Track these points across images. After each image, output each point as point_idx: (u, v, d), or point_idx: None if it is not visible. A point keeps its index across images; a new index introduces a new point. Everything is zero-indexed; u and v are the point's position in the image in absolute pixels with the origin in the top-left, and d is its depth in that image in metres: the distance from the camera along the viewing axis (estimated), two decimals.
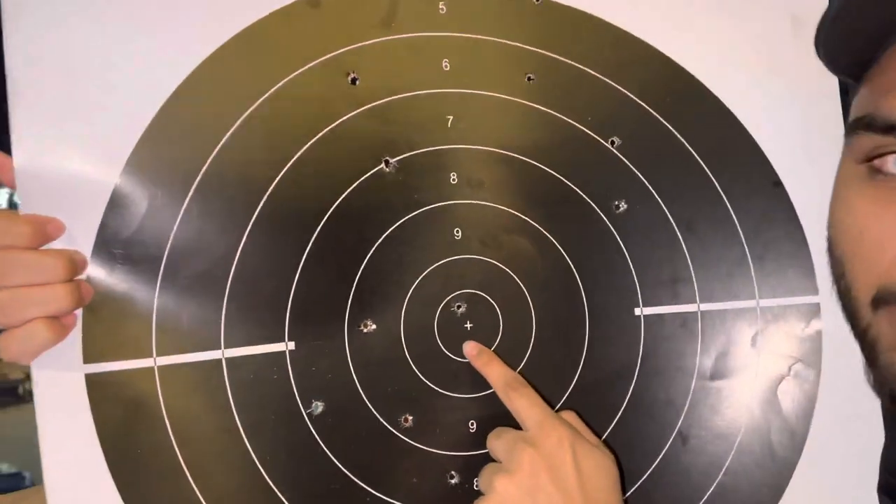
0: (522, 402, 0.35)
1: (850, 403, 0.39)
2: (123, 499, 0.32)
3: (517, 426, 0.35)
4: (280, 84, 0.35)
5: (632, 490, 0.38)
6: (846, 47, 0.29)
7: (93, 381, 0.32)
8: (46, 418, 0.32)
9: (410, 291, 0.36)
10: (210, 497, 0.33)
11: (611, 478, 0.34)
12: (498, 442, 0.35)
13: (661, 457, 0.38)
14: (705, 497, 0.38)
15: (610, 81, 0.39)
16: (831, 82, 0.40)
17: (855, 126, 0.28)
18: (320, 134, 0.36)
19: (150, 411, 0.33)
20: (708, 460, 0.38)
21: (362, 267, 0.36)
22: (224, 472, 0.34)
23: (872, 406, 0.39)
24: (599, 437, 0.36)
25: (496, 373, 0.36)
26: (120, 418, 0.33)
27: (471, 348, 0.37)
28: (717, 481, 0.38)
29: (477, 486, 0.35)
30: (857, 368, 0.30)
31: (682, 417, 0.38)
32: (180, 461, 0.33)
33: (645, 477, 0.38)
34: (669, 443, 0.38)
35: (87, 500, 0.32)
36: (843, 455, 0.39)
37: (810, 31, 0.31)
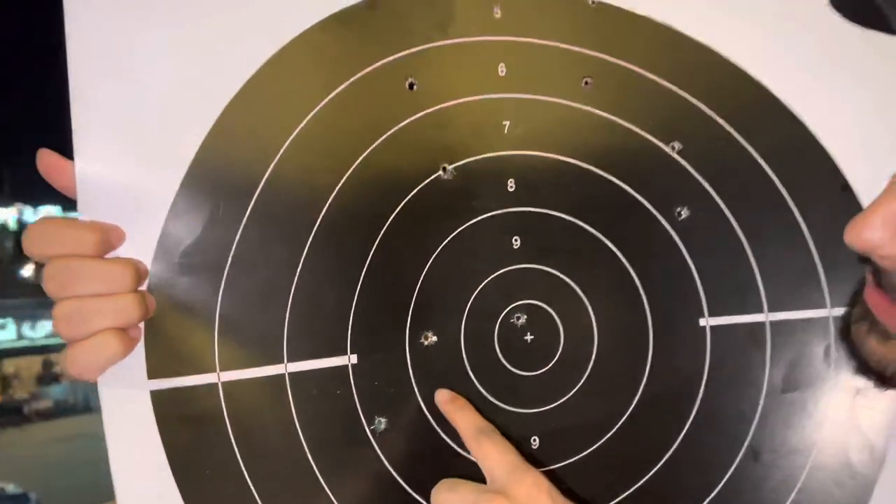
0: (495, 448, 0.31)
1: None
2: None
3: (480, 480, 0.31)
4: (339, 89, 0.35)
5: None
6: None
7: (158, 398, 0.31)
8: (116, 438, 0.31)
9: (470, 302, 0.35)
10: None
11: None
12: (452, 496, 0.29)
13: (731, 472, 0.37)
14: None
15: (669, 85, 0.38)
16: None
17: None
18: (379, 140, 0.35)
19: (216, 429, 0.32)
20: (781, 477, 0.37)
21: (422, 277, 0.35)
22: (291, 492, 0.33)
23: None
24: (667, 451, 0.35)
25: (468, 419, 0.33)
26: (187, 437, 0.32)
27: (443, 395, 0.34)
28: (790, 499, 0.37)
29: None
30: None
31: (752, 431, 0.37)
32: (247, 481, 0.32)
33: (714, 493, 0.37)
34: (740, 457, 0.37)
35: None
36: None
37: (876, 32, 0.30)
